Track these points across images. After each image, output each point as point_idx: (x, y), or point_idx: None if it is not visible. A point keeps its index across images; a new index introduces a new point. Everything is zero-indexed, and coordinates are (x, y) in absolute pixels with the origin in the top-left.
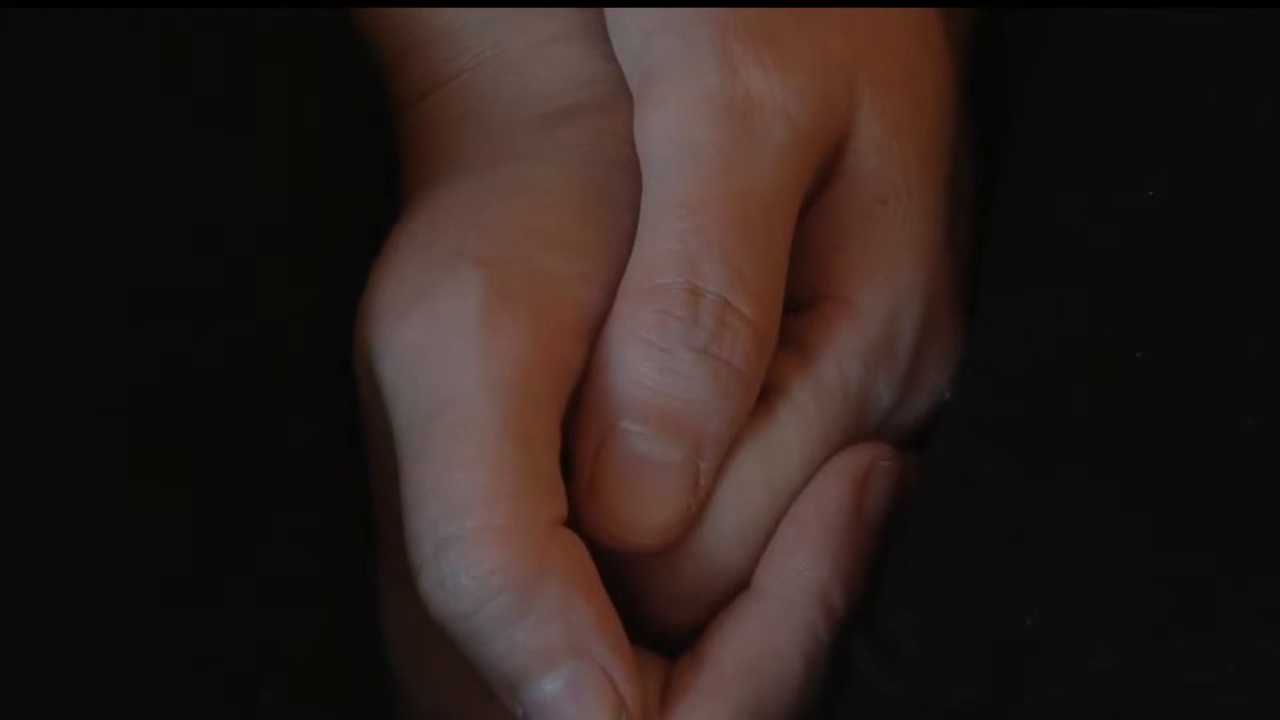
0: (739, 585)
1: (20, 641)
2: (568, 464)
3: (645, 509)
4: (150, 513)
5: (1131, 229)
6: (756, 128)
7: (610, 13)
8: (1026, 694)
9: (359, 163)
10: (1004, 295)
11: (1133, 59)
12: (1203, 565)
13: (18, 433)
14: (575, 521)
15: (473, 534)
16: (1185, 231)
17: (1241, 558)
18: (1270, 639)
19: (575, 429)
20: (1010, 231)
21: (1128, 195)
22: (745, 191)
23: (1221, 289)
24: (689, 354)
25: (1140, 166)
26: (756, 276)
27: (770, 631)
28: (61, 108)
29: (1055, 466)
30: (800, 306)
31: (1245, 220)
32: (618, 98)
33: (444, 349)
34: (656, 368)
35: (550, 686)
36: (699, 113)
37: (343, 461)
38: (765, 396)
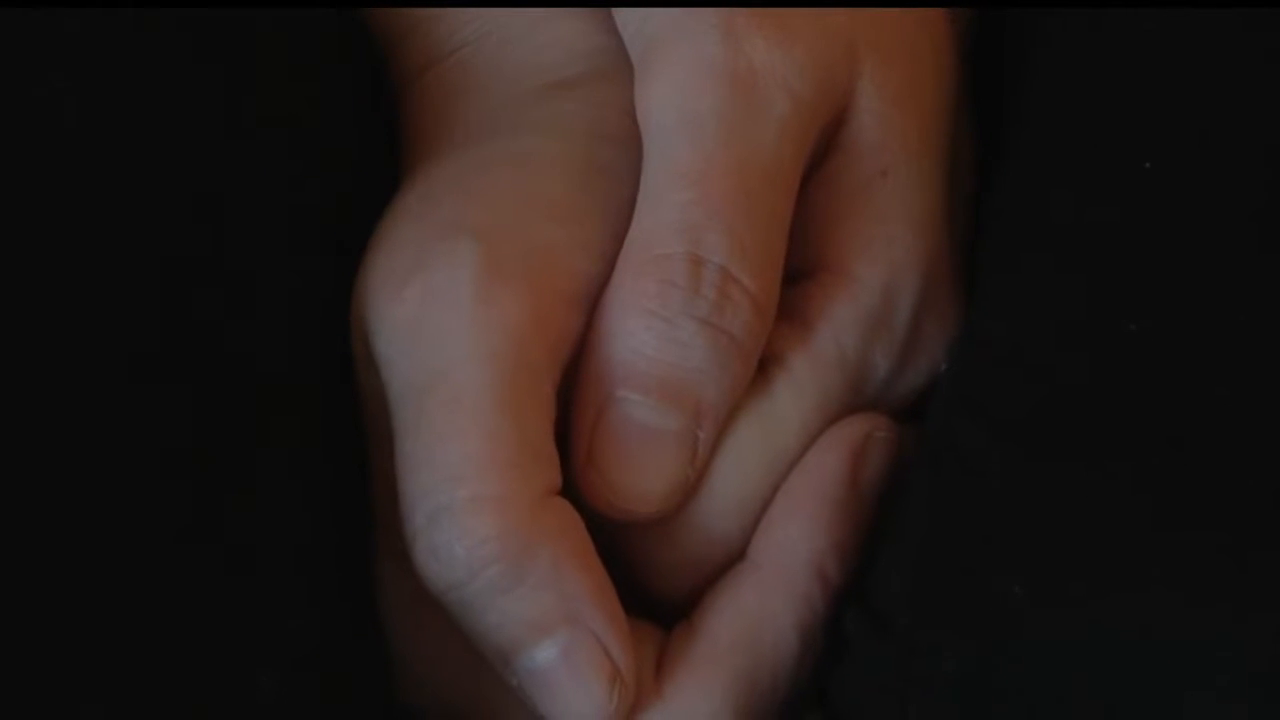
0: (735, 555)
1: (18, 635)
2: (566, 433)
3: (643, 477)
4: (151, 511)
5: (1127, 204)
6: (758, 99)
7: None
8: (1017, 666)
9: (360, 139)
10: (1001, 271)
11: (1128, 43)
12: (1198, 537)
13: (13, 438)
14: (573, 490)
15: (465, 503)
16: (1181, 205)
17: (1240, 533)
18: (1268, 613)
19: (573, 398)
20: (1008, 208)
21: (1124, 171)
22: (747, 162)
23: (1217, 262)
24: (690, 323)
25: (1136, 142)
26: (757, 247)
27: (765, 602)
28: (61, 103)
29: (1049, 442)
30: (798, 277)
31: (1241, 193)
32: (618, 70)
33: (438, 321)
34: (657, 337)
35: (544, 655)
36: (701, 83)
37: (345, 456)
38: (763, 367)
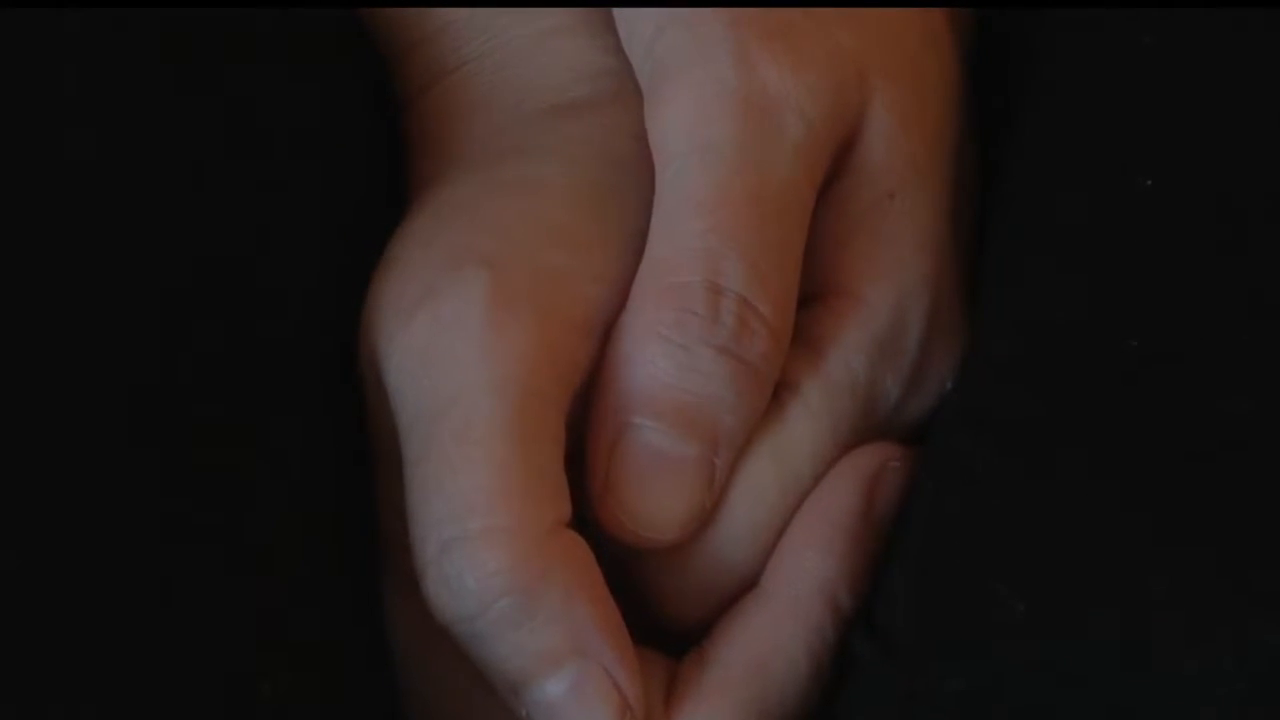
0: (748, 583)
1: (18, 635)
2: (578, 459)
3: (660, 504)
4: (151, 513)
5: (1129, 219)
6: (772, 124)
7: (619, 9)
8: (1021, 683)
9: (364, 156)
10: (1004, 286)
11: (1130, 53)
12: (1200, 554)
13: (12, 440)
14: (587, 517)
15: (477, 535)
16: (1182, 220)
17: (1239, 546)
18: (1269, 628)
19: (588, 425)
20: (1011, 223)
21: (1126, 186)
22: (763, 189)
23: (1217, 276)
24: (708, 351)
25: (1137, 157)
26: (774, 275)
27: (777, 631)
28: (63, 107)
29: (1051, 457)
30: (808, 300)
31: (1241, 206)
32: (624, 92)
33: (448, 350)
34: (676, 365)
35: (554, 688)
36: (715, 109)
37: (346, 461)
38: (775, 393)
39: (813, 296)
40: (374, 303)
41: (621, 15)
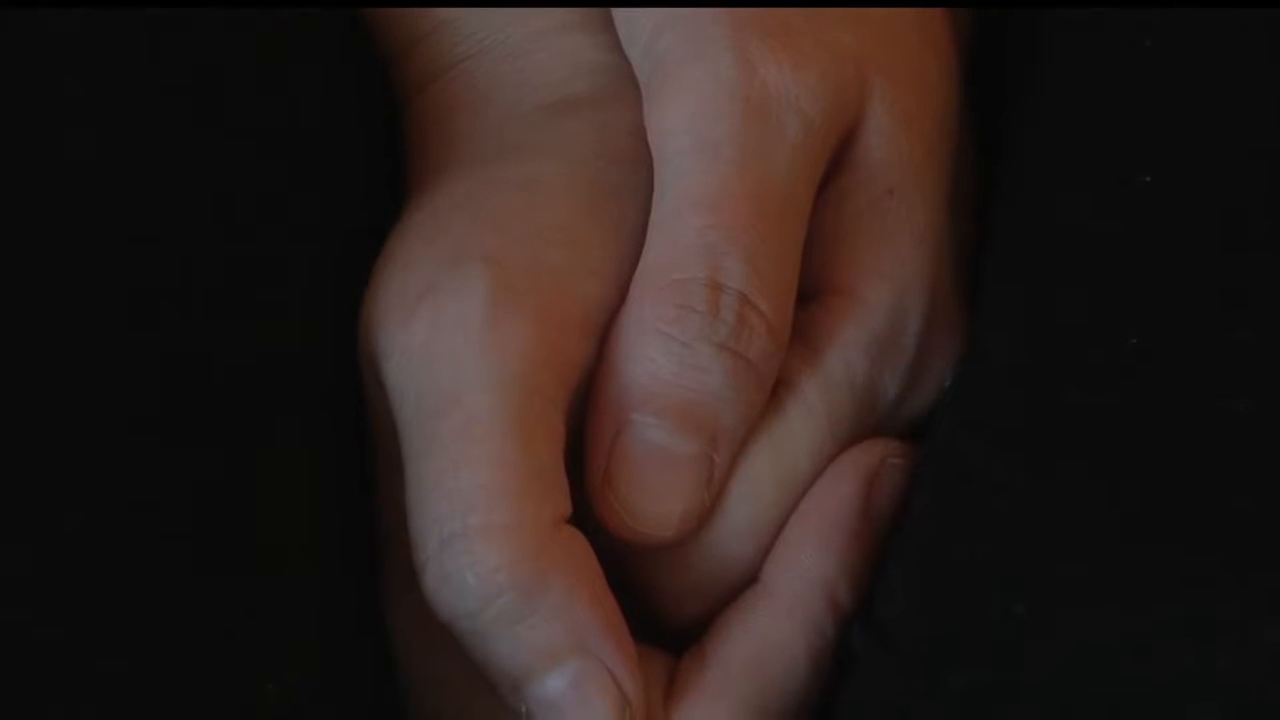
0: (747, 580)
1: (19, 635)
2: (578, 456)
3: (660, 501)
4: (152, 513)
5: (1129, 218)
6: (773, 123)
7: (617, 9)
8: (1021, 682)
9: (364, 154)
10: (1004, 286)
11: (1129, 52)
12: (1200, 553)
13: (14, 440)
14: (587, 514)
15: (477, 532)
16: (1181, 218)
17: (1239, 547)
18: (1270, 629)
19: (588, 421)
20: (1011, 222)
21: (1125, 185)
22: (763, 187)
23: (1217, 275)
24: (708, 348)
25: (1137, 156)
26: (773, 273)
27: (776, 628)
28: (63, 105)
29: (1050, 456)
30: (806, 298)
31: (1241, 206)
32: (621, 89)
33: (449, 348)
34: (675, 361)
35: (554, 684)
36: (716, 107)
37: (347, 460)
38: (773, 391)
39: (811, 294)
40: (374, 300)
41: (620, 15)
